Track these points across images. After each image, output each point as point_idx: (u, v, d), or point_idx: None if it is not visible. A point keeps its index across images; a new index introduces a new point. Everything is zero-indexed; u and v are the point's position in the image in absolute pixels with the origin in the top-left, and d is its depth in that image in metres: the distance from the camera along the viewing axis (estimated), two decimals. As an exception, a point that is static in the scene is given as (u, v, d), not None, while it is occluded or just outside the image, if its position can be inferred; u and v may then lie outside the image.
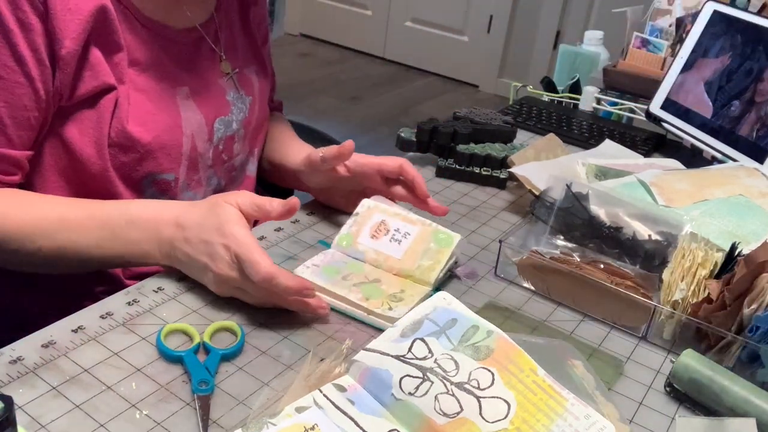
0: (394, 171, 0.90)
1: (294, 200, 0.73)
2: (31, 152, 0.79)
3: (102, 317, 0.70)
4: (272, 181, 1.10)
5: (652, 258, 0.84)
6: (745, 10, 1.27)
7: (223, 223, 0.71)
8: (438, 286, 0.81)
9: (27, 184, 0.81)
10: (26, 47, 0.73)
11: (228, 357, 0.67)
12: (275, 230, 0.90)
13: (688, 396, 0.69)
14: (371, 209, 0.86)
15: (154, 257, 0.76)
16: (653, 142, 1.33)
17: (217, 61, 0.92)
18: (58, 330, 0.67)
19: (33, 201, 0.78)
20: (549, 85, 1.54)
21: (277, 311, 0.74)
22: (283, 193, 1.26)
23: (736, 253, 0.76)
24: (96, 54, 0.78)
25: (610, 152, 1.20)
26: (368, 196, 0.89)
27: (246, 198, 0.74)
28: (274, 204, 0.73)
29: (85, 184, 0.82)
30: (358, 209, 0.87)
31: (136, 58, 0.82)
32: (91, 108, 0.79)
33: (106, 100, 0.79)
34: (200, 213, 0.74)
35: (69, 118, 0.79)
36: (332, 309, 0.75)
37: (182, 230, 0.73)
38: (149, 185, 0.86)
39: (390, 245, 0.83)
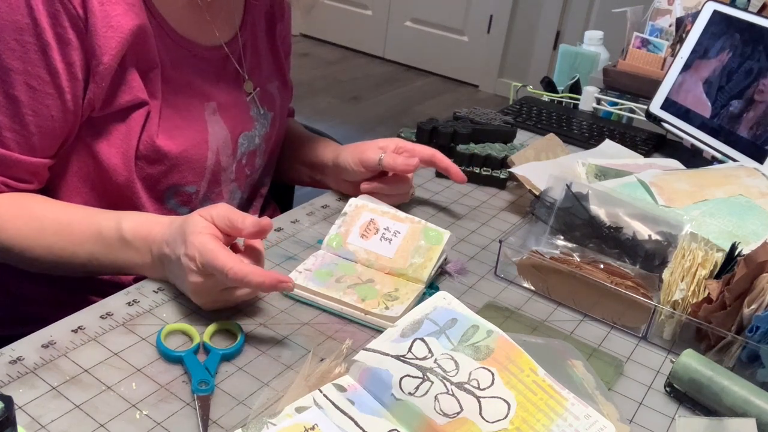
0: (426, 161, 0.96)
1: (266, 221, 0.72)
2: (53, 161, 0.80)
3: (102, 317, 0.70)
4: (297, 182, 1.14)
5: (652, 258, 0.84)
6: (745, 10, 1.27)
7: (187, 234, 0.69)
8: (431, 284, 0.82)
9: (51, 188, 0.83)
10: (61, 61, 0.74)
11: (228, 357, 0.67)
12: (275, 230, 0.90)
13: (688, 396, 0.69)
14: (359, 208, 0.86)
15: (149, 273, 0.77)
16: (653, 142, 1.33)
17: (241, 80, 0.93)
18: (58, 330, 0.67)
19: (34, 207, 0.78)
20: (549, 85, 1.54)
21: (277, 311, 0.74)
22: (285, 195, 1.27)
23: (736, 253, 0.76)
24: (132, 70, 0.79)
25: (610, 152, 1.20)
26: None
27: (221, 211, 0.72)
28: (246, 222, 0.71)
29: (109, 192, 0.83)
30: (346, 209, 0.87)
31: (169, 74, 0.83)
32: (121, 121, 0.80)
33: (137, 114, 0.80)
34: (175, 228, 0.73)
35: (98, 129, 0.80)
36: (330, 311, 0.75)
37: (168, 247, 0.73)
38: (171, 196, 0.87)
39: (380, 244, 0.83)
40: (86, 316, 0.70)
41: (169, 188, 0.86)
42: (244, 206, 1.01)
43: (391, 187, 0.96)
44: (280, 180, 1.13)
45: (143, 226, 0.76)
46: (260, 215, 1.04)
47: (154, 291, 0.75)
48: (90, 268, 0.78)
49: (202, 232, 0.69)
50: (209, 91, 0.88)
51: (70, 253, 0.77)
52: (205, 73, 0.88)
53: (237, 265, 0.66)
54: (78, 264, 0.78)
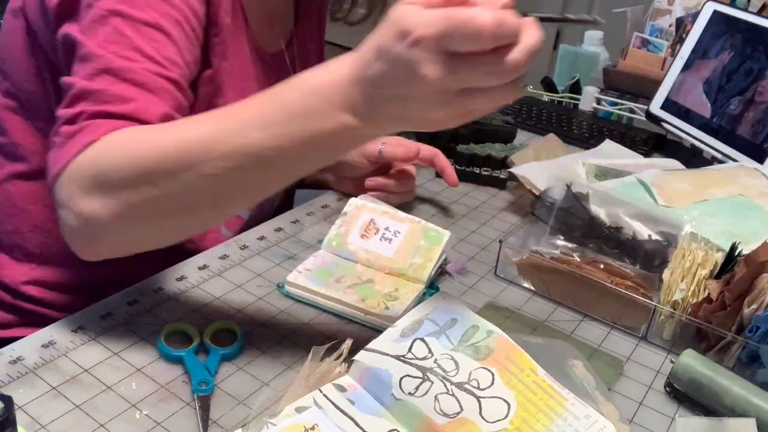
0: (427, 159, 0.97)
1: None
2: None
3: (102, 317, 0.70)
4: (298, 183, 1.13)
5: (652, 258, 0.84)
6: (745, 10, 1.27)
7: (398, 22, 0.50)
8: (431, 284, 0.82)
9: None
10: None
11: (228, 357, 0.67)
12: (275, 230, 0.90)
13: (688, 396, 0.69)
14: (359, 208, 0.86)
15: (350, 123, 0.55)
16: (653, 142, 1.33)
17: None
18: (58, 330, 0.67)
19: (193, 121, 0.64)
20: (549, 85, 1.54)
21: (277, 311, 0.75)
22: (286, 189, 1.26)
23: (736, 253, 0.76)
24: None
25: (610, 152, 1.20)
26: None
27: None
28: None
29: None
30: (346, 209, 0.87)
31: (236, 70, 0.83)
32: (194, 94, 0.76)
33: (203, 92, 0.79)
34: (372, 43, 0.53)
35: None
36: (330, 311, 0.75)
37: (364, 75, 0.53)
38: None
39: (380, 244, 0.83)
40: (86, 316, 0.70)
41: None
42: (273, 210, 1.02)
43: (396, 183, 0.96)
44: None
45: (317, 74, 0.57)
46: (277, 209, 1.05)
47: (154, 291, 0.75)
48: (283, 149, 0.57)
49: (418, 12, 0.50)
50: None
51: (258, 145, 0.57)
52: (264, 78, 0.88)
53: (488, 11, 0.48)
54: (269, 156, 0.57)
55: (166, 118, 0.65)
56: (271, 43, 0.91)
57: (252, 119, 0.57)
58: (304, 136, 0.56)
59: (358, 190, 0.95)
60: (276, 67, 0.91)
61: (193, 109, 0.74)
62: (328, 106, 0.55)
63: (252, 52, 0.86)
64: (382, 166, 0.97)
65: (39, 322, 0.73)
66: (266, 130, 0.56)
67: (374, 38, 0.53)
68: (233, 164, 0.57)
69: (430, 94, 0.51)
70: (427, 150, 0.96)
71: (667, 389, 0.70)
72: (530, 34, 0.50)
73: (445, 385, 0.59)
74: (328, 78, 0.55)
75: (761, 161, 1.06)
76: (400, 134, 1.14)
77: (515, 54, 0.49)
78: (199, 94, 0.79)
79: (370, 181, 0.95)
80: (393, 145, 0.93)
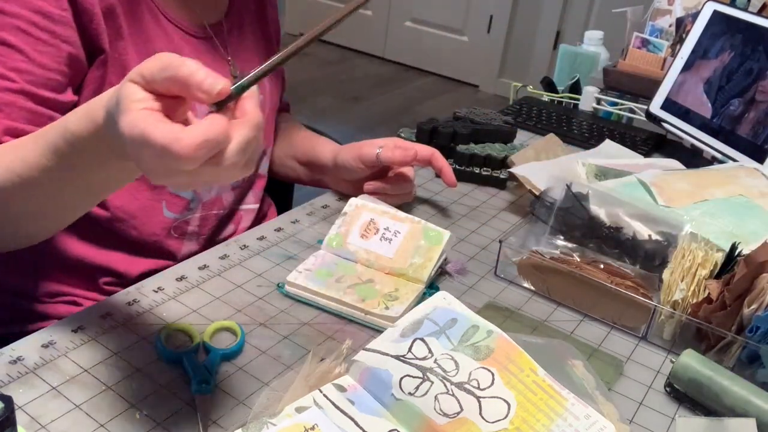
0: (424, 159, 0.96)
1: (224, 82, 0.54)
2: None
3: (102, 317, 0.70)
4: (294, 180, 1.13)
5: (652, 258, 0.84)
6: (745, 10, 1.27)
7: (120, 100, 0.51)
8: (431, 284, 0.82)
9: None
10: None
11: (228, 357, 0.67)
12: (275, 230, 0.90)
13: (688, 396, 0.69)
14: (359, 208, 0.86)
15: (120, 164, 0.60)
16: (653, 142, 1.33)
17: (226, 63, 0.93)
18: (58, 330, 0.67)
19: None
20: (549, 85, 1.54)
21: (277, 311, 0.75)
22: (285, 195, 1.27)
23: (736, 253, 0.76)
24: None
25: (610, 152, 1.20)
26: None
27: (156, 63, 0.51)
28: (201, 79, 0.51)
29: None
30: (346, 208, 0.87)
31: (159, 48, 0.82)
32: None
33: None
34: (107, 104, 0.55)
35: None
36: (330, 311, 0.75)
37: (107, 133, 0.56)
38: None
39: (380, 244, 0.83)
40: (86, 316, 0.70)
41: None
42: (238, 196, 0.99)
43: (394, 186, 0.96)
44: (275, 176, 1.13)
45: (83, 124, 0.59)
46: (258, 210, 1.04)
47: (154, 291, 0.75)
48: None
49: (132, 109, 0.50)
50: None
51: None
52: (193, 53, 0.87)
53: (168, 134, 0.48)
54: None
55: (9, 132, 0.70)
56: (207, 15, 0.90)
57: (42, 153, 0.61)
58: (83, 181, 0.63)
59: (357, 192, 0.95)
60: (210, 40, 0.90)
61: (83, 95, 0.77)
62: (95, 157, 0.59)
63: (173, 28, 0.85)
64: (380, 169, 0.96)
65: None
66: (53, 164, 0.61)
67: (107, 98, 0.55)
68: (27, 190, 0.63)
69: (154, 170, 0.52)
70: (424, 150, 0.96)
71: (667, 389, 0.70)
72: (241, 130, 0.52)
73: (445, 385, 0.59)
74: (90, 129, 0.57)
75: (761, 161, 1.06)
76: (399, 137, 1.15)
77: (228, 158, 0.50)
78: (91, 78, 0.78)
79: (369, 186, 0.95)
80: (390, 149, 0.93)
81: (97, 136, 0.57)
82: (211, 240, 0.95)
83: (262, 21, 1.00)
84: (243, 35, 0.96)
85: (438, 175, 1.09)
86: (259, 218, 1.07)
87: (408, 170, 0.97)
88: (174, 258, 0.90)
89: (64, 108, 0.75)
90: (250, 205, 1.02)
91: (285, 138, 1.11)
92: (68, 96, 0.76)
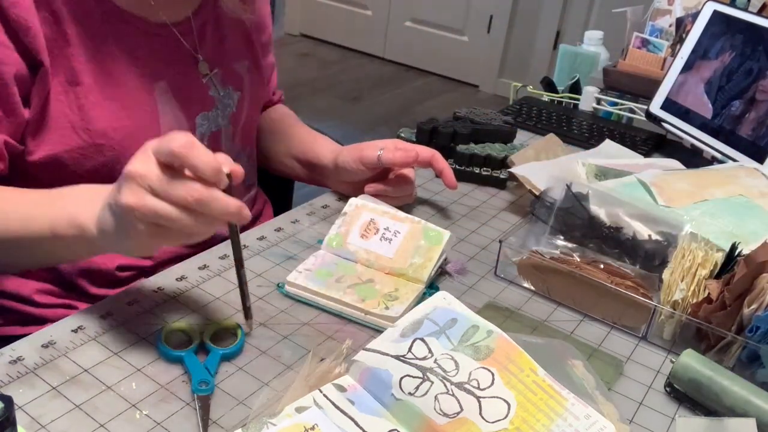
0: (425, 161, 0.95)
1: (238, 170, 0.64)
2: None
3: (102, 317, 0.70)
4: (292, 176, 1.11)
5: (652, 258, 0.84)
6: (745, 10, 1.27)
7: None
8: (431, 284, 0.82)
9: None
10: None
11: (228, 357, 0.67)
12: (275, 230, 0.90)
13: (688, 396, 0.69)
14: (359, 208, 0.86)
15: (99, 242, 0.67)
16: (653, 142, 1.33)
17: (194, 62, 0.90)
18: (58, 330, 0.67)
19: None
20: (549, 85, 1.54)
21: (277, 311, 0.74)
22: (285, 195, 1.27)
23: (736, 253, 0.76)
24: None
25: (610, 152, 1.20)
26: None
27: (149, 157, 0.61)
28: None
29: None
30: (346, 209, 0.87)
31: (112, 51, 0.80)
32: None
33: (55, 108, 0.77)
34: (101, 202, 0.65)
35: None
36: (330, 311, 0.75)
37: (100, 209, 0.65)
38: None
39: (380, 244, 0.83)
40: (86, 316, 0.70)
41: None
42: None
43: (395, 188, 0.96)
44: (273, 171, 1.12)
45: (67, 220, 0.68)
46: (251, 208, 1.04)
47: (154, 291, 0.75)
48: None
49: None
50: (160, 70, 0.85)
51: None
52: (154, 51, 0.85)
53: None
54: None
55: None
56: (170, 11, 0.87)
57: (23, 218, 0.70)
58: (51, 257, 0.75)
59: (357, 193, 0.94)
60: (169, 39, 0.87)
61: (31, 107, 0.77)
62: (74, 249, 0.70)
63: (126, 25, 0.82)
64: (381, 171, 0.96)
65: None
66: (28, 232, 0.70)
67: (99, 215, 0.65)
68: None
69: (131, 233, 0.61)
70: (425, 152, 0.95)
71: (667, 389, 0.70)
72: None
73: (445, 385, 0.59)
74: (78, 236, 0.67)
75: (761, 161, 1.06)
76: (399, 136, 1.15)
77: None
78: (35, 90, 0.77)
79: (370, 188, 0.95)
80: (391, 150, 0.92)
81: (85, 239, 0.66)
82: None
83: (242, 21, 0.96)
84: (220, 31, 0.93)
85: (438, 176, 1.09)
86: (255, 209, 1.07)
87: (409, 172, 0.97)
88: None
89: (19, 125, 0.77)
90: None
91: (282, 134, 1.09)
92: (20, 114, 0.76)
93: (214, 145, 0.93)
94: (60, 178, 0.78)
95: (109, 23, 0.81)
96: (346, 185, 0.99)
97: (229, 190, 0.61)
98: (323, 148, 1.03)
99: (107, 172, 0.82)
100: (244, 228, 1.01)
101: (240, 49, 0.97)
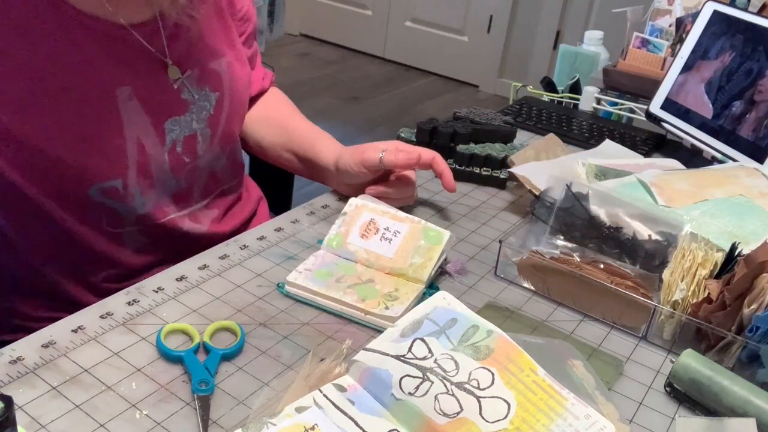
0: (426, 163, 0.94)
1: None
2: None
3: (102, 317, 0.70)
4: (291, 171, 1.09)
5: (652, 258, 0.84)
6: (745, 10, 1.27)
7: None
8: (431, 284, 0.82)
9: None
10: None
11: (228, 357, 0.67)
12: (275, 230, 0.90)
13: (688, 396, 0.69)
14: (359, 208, 0.86)
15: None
16: (653, 142, 1.33)
17: (162, 66, 0.86)
18: (58, 330, 0.67)
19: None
20: (549, 85, 1.54)
21: (277, 311, 0.74)
22: (285, 195, 1.27)
23: (736, 253, 0.76)
24: None
25: (610, 152, 1.20)
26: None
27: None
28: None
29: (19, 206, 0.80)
30: (346, 208, 0.87)
31: (61, 57, 0.76)
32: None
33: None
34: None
35: None
36: (330, 311, 0.75)
37: None
38: (97, 194, 0.82)
39: (380, 244, 0.83)
40: (86, 316, 0.70)
41: (90, 187, 0.81)
42: (197, 196, 0.96)
43: (397, 190, 0.95)
44: (268, 161, 1.10)
45: None
46: (237, 199, 1.04)
47: (154, 291, 0.75)
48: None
49: None
50: (121, 76, 0.81)
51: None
52: (115, 55, 0.80)
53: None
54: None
55: None
56: (131, 10, 0.82)
57: None
58: None
59: (358, 194, 0.94)
60: (132, 41, 0.82)
61: None
62: None
63: (77, 24, 0.77)
64: (382, 173, 0.96)
65: None
66: None
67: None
68: None
69: None
70: (426, 154, 0.94)
71: (667, 389, 0.70)
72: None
73: (445, 385, 0.59)
74: None
75: (761, 161, 1.06)
76: (399, 136, 1.15)
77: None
78: None
79: (371, 190, 0.94)
80: (393, 152, 0.91)
81: None
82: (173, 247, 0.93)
83: (217, 9, 0.92)
84: (196, 28, 0.88)
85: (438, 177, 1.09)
86: (248, 208, 1.06)
87: (410, 173, 0.97)
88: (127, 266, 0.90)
89: None
90: (203, 202, 0.97)
91: (280, 127, 1.06)
92: None
93: (189, 150, 0.90)
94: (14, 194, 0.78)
95: (63, 29, 0.76)
96: (347, 187, 0.98)
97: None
98: (324, 149, 1.01)
99: (70, 186, 0.80)
100: (241, 229, 1.02)
101: (219, 45, 0.93)
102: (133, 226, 0.88)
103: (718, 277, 0.75)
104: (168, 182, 0.90)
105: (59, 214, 0.82)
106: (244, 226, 1.05)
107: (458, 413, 0.57)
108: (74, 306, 0.72)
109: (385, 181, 0.96)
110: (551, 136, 1.18)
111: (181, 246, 0.91)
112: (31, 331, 0.67)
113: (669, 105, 1.25)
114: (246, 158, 1.21)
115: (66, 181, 0.80)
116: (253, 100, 1.08)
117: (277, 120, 1.08)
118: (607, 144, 1.24)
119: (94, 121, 0.80)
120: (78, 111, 0.78)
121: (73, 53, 0.77)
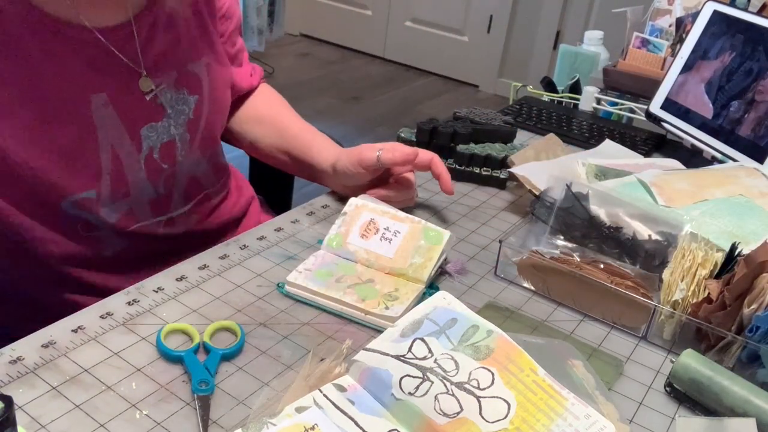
0: (424, 163, 0.94)
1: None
2: None
3: (102, 317, 0.70)
4: (284, 170, 1.08)
5: (652, 258, 0.84)
6: (745, 10, 1.27)
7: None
8: (431, 284, 0.82)
9: None
10: None
11: (228, 357, 0.67)
12: (275, 230, 0.90)
13: (688, 396, 0.69)
14: (359, 208, 0.86)
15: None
16: (653, 142, 1.33)
17: (138, 67, 0.83)
18: (58, 330, 0.67)
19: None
20: (549, 85, 1.54)
21: (277, 311, 0.74)
22: (285, 195, 1.27)
23: (736, 253, 0.76)
24: None
25: (610, 152, 1.20)
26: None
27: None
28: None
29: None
30: (346, 208, 0.87)
31: (35, 66, 0.75)
32: None
33: None
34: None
35: None
36: (330, 311, 0.75)
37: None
38: (70, 207, 0.81)
39: (380, 244, 0.83)
40: (86, 316, 0.70)
41: (62, 199, 0.80)
42: (177, 202, 0.94)
43: (397, 193, 0.95)
44: (262, 160, 1.08)
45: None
46: (228, 196, 1.04)
47: (154, 291, 0.75)
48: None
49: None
50: (95, 82, 0.79)
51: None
52: (88, 61, 0.78)
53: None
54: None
55: None
56: (100, 14, 0.79)
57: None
58: None
59: (357, 194, 0.93)
60: (105, 46, 0.79)
61: None
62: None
63: (43, 27, 0.75)
64: (382, 176, 0.95)
65: None
66: None
67: None
68: None
69: None
70: (424, 154, 0.93)
71: (667, 389, 0.70)
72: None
73: (445, 385, 0.59)
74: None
75: (761, 161, 1.06)
76: (399, 136, 1.15)
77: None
78: None
79: (371, 193, 0.93)
80: (390, 150, 0.91)
81: None
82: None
83: (195, 10, 0.90)
84: (174, 30, 0.86)
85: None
86: (238, 207, 1.06)
87: (409, 175, 0.96)
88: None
89: None
90: (185, 207, 0.96)
91: (274, 128, 1.05)
92: None
93: (166, 156, 0.88)
94: None
95: (38, 37, 0.75)
96: (348, 190, 0.97)
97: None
98: (321, 153, 0.99)
99: (40, 199, 0.79)
100: (229, 227, 1.01)
101: (198, 46, 0.91)
102: (108, 230, 0.87)
103: (718, 277, 0.75)
104: (144, 189, 0.88)
105: (28, 223, 0.80)
106: (233, 225, 1.05)
107: (458, 413, 0.57)
108: (44, 312, 0.72)
109: (384, 184, 0.96)
110: (551, 136, 1.18)
111: (158, 246, 0.92)
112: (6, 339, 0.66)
113: (669, 105, 1.25)
114: (246, 158, 1.21)
115: (38, 193, 0.79)
116: (242, 98, 1.07)
117: (269, 119, 1.06)
118: (607, 144, 1.24)
119: (68, 130, 0.78)
120: (52, 121, 0.77)
121: (47, 61, 0.76)
